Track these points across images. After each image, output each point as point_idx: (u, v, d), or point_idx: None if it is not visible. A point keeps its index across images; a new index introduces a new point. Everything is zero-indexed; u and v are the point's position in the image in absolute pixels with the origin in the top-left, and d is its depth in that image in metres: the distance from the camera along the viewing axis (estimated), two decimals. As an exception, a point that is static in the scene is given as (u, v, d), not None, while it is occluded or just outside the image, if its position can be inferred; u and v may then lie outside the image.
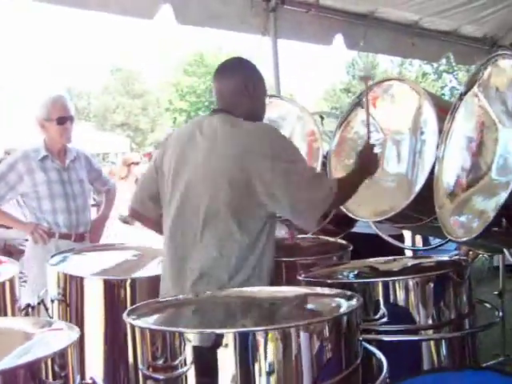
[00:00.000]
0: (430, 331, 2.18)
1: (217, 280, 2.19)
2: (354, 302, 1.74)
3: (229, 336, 1.52)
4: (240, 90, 2.37)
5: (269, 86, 2.64)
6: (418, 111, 2.78)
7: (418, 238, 5.87)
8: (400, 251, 3.69)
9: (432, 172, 2.58)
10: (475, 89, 2.40)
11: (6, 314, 2.33)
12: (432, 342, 2.17)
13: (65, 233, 3.68)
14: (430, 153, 2.66)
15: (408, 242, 5.71)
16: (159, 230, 2.49)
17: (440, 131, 2.62)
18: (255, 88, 2.39)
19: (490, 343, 3.68)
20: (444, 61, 6.91)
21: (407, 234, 5.15)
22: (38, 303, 2.64)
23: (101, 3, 4.04)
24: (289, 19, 4.88)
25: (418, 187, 2.65)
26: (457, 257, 2.64)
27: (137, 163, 6.76)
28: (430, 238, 5.44)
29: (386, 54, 6.67)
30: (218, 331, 1.55)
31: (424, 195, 2.61)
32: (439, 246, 3.00)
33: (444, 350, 2.19)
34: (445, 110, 2.64)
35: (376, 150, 2.62)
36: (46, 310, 2.65)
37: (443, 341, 2.18)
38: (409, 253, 4.48)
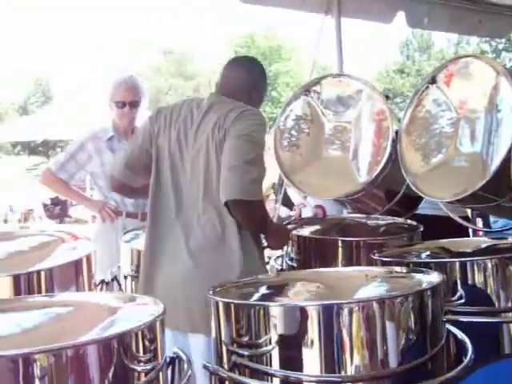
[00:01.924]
0: (510, 314, 2.14)
1: None
2: (435, 278, 1.72)
3: (313, 309, 1.52)
4: (244, 89, 2.54)
5: (331, 65, 2.72)
6: (494, 89, 2.69)
7: (478, 220, 5.75)
8: (464, 233, 3.62)
9: (509, 151, 2.50)
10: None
11: (83, 290, 2.38)
12: (512, 325, 2.13)
13: (132, 212, 3.75)
14: (508, 132, 2.58)
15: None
16: None
17: (519, 109, 2.53)
18: (256, 95, 2.60)
19: None
20: (503, 39, 6.70)
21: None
22: (112, 279, 2.70)
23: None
24: (351, -3, 4.79)
25: (494, 167, 2.57)
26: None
27: None
28: (490, 220, 5.32)
29: (450, 32, 6.48)
30: (302, 304, 1.56)
31: (500, 175, 2.53)
32: None
33: (524, 334, 2.14)
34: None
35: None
36: (120, 286, 2.71)
37: (523, 324, 2.13)
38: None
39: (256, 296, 1.84)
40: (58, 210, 12.20)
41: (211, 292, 1.73)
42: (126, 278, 2.71)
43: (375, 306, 1.53)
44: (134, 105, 3.79)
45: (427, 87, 2.99)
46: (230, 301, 1.63)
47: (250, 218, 2.34)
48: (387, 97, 3.88)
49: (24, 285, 2.15)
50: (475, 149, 2.78)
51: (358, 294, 1.74)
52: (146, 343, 1.45)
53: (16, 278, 2.15)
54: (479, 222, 5.74)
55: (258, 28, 34.03)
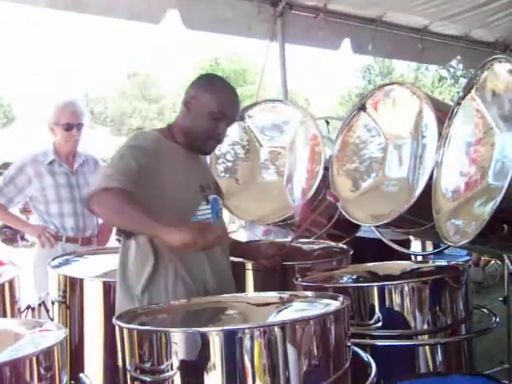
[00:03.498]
0: (425, 336, 2.17)
1: None
2: (339, 303, 1.74)
3: (214, 334, 1.53)
4: (184, 103, 2.34)
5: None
6: (419, 115, 2.77)
7: (430, 244, 5.83)
8: (408, 256, 3.68)
9: (431, 177, 2.57)
10: (473, 93, 2.39)
11: (5, 316, 2.35)
12: (427, 348, 2.16)
13: (72, 236, 3.70)
14: (431, 157, 2.65)
15: (418, 247, 5.69)
16: None
17: (440, 135, 2.61)
18: (192, 104, 2.29)
19: (499, 349, 3.65)
20: (461, 65, 6.87)
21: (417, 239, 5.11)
22: (39, 305, 2.67)
23: (107, 8, 4.06)
24: (296, 24, 4.87)
25: (417, 192, 2.64)
26: (454, 262, 2.62)
27: None
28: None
29: (394, 59, 6.64)
30: (203, 330, 1.56)
31: (424, 200, 2.60)
32: (439, 251, 2.98)
33: (439, 356, 2.18)
34: (446, 114, 2.64)
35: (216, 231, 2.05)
36: (47, 311, 2.68)
37: (438, 346, 2.17)
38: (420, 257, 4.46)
39: (165, 323, 1.84)
40: (13, 233, 12.00)
41: (116, 318, 1.73)
42: (53, 303, 2.68)
43: (276, 330, 1.54)
44: (80, 127, 3.78)
45: (357, 113, 3.06)
46: (133, 327, 1.63)
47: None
48: (327, 122, 3.96)
49: None
50: (402, 173, 2.85)
51: (264, 319, 1.76)
52: (42, 371, 1.44)
53: None
54: (430, 244, 5.84)
55: (223, 52, 34.29)
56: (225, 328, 1.56)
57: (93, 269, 2.84)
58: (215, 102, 2.27)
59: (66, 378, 1.55)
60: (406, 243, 3.93)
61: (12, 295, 2.41)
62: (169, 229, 1.95)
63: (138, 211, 2.00)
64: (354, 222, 2.92)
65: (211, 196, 2.33)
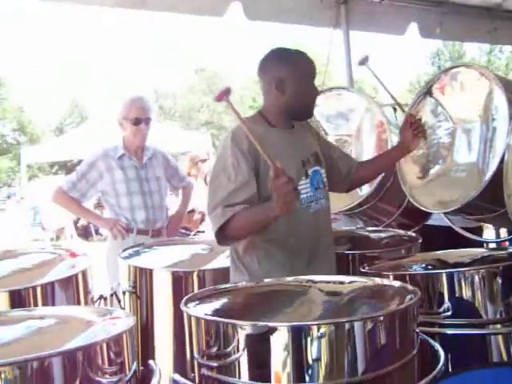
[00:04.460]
0: (498, 325, 2.10)
1: None
2: (411, 296, 1.71)
3: (282, 329, 1.52)
4: (269, 88, 2.38)
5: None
6: (488, 97, 2.68)
7: (504, 230, 5.61)
8: (480, 244, 3.56)
9: (502, 161, 2.48)
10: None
11: (79, 304, 2.43)
12: (500, 337, 2.08)
13: (142, 228, 3.80)
14: (502, 140, 2.56)
15: (491, 234, 5.51)
16: None
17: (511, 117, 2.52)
18: (286, 84, 2.34)
19: None
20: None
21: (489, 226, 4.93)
22: (111, 295, 2.75)
23: (171, 4, 4.13)
24: (361, 10, 4.81)
25: (488, 176, 2.56)
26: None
27: (204, 160, 6.60)
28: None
29: (464, 42, 6.42)
30: (271, 324, 1.55)
31: (496, 184, 2.51)
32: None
33: (513, 346, 2.10)
34: (518, 95, 2.54)
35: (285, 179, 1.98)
36: (119, 301, 2.75)
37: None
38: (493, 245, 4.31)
39: (232, 308, 1.86)
40: (86, 227, 12.43)
41: (184, 302, 1.75)
42: (124, 293, 2.75)
43: (345, 325, 1.52)
44: (148, 122, 3.87)
45: (423, 98, 2.99)
46: (200, 316, 1.65)
47: None
48: (395, 109, 3.89)
49: (20, 299, 2.23)
50: (472, 158, 2.77)
51: (333, 310, 1.76)
52: (112, 356, 1.49)
53: (13, 294, 2.24)
54: (504, 231, 5.63)
55: (287, 41, 34.14)
56: (292, 324, 1.55)
57: (162, 259, 2.90)
58: (303, 69, 2.37)
59: (135, 364, 1.59)
60: (478, 230, 3.81)
61: (85, 285, 2.48)
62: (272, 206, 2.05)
63: (253, 212, 2.20)
64: (422, 209, 2.85)
65: (311, 169, 2.40)
